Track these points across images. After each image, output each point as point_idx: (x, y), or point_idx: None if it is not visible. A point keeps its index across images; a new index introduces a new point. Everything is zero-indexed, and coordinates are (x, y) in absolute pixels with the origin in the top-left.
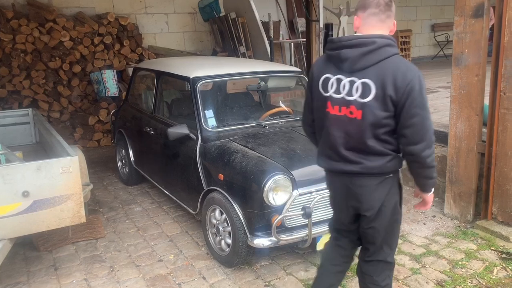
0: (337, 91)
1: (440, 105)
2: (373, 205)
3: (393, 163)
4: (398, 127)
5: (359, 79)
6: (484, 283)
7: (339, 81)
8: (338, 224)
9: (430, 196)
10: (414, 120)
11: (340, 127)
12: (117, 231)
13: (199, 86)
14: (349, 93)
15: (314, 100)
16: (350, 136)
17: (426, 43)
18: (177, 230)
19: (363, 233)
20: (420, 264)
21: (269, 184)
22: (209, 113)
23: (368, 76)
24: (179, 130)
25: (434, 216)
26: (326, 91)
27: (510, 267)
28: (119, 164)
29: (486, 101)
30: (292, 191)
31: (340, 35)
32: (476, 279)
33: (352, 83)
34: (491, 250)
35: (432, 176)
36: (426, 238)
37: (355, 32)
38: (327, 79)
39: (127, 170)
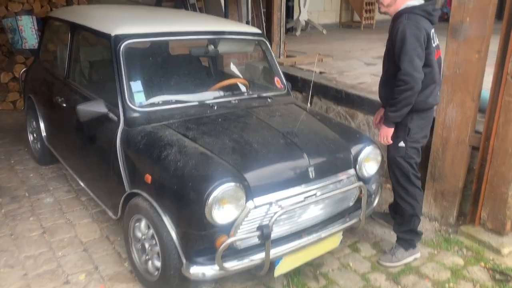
0: (434, 41)
1: None
2: None
3: None
4: None
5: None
6: None
7: (433, 34)
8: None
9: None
10: None
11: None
12: (15, 234)
13: (123, 47)
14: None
15: (430, 54)
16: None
17: None
18: (95, 233)
19: None
20: (399, 287)
21: (214, 195)
22: (137, 85)
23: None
24: (93, 108)
25: None
26: (434, 42)
27: None
28: (30, 137)
29: (486, 85)
30: (246, 202)
31: None
32: None
33: (434, 34)
34: (481, 266)
35: None
36: None
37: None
38: (432, 34)
39: (39, 147)
